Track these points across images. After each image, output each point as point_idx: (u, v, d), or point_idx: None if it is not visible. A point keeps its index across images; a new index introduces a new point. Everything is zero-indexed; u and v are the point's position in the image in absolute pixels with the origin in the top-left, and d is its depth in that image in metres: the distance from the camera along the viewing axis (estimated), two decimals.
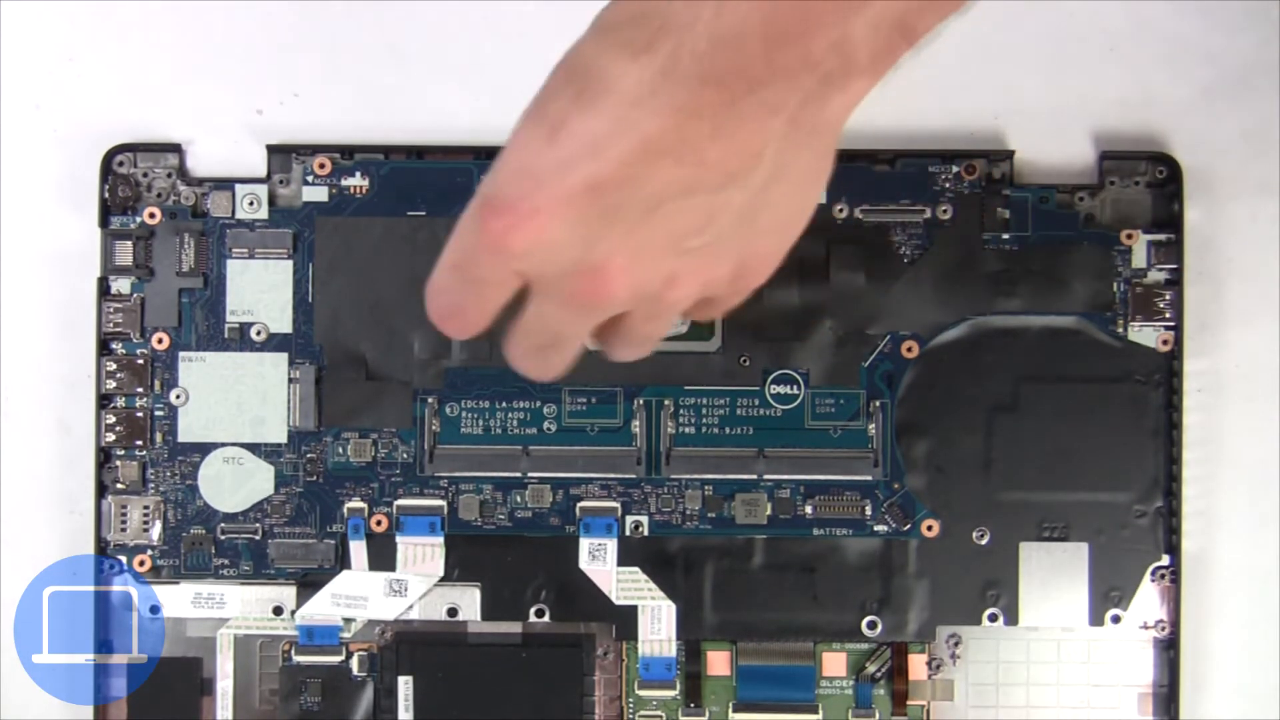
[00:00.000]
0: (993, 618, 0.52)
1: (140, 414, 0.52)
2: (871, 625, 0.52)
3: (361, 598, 0.52)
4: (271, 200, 0.53)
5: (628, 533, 0.52)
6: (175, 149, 0.53)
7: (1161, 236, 0.52)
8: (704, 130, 0.33)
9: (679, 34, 0.33)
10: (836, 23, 0.33)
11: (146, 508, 0.52)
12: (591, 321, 0.38)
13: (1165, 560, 0.52)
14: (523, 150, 0.34)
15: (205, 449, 0.52)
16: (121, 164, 0.53)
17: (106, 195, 0.52)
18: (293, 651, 0.52)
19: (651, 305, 0.38)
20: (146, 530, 0.52)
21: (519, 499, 0.52)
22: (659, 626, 0.52)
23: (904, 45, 0.34)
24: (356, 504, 0.52)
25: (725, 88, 0.33)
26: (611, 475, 0.52)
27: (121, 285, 0.52)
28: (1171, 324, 0.52)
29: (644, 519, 0.52)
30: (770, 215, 0.37)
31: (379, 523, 0.52)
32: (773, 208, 0.37)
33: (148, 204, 0.52)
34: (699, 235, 0.36)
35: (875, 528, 0.52)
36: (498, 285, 0.37)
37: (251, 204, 0.52)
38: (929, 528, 0.52)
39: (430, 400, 0.52)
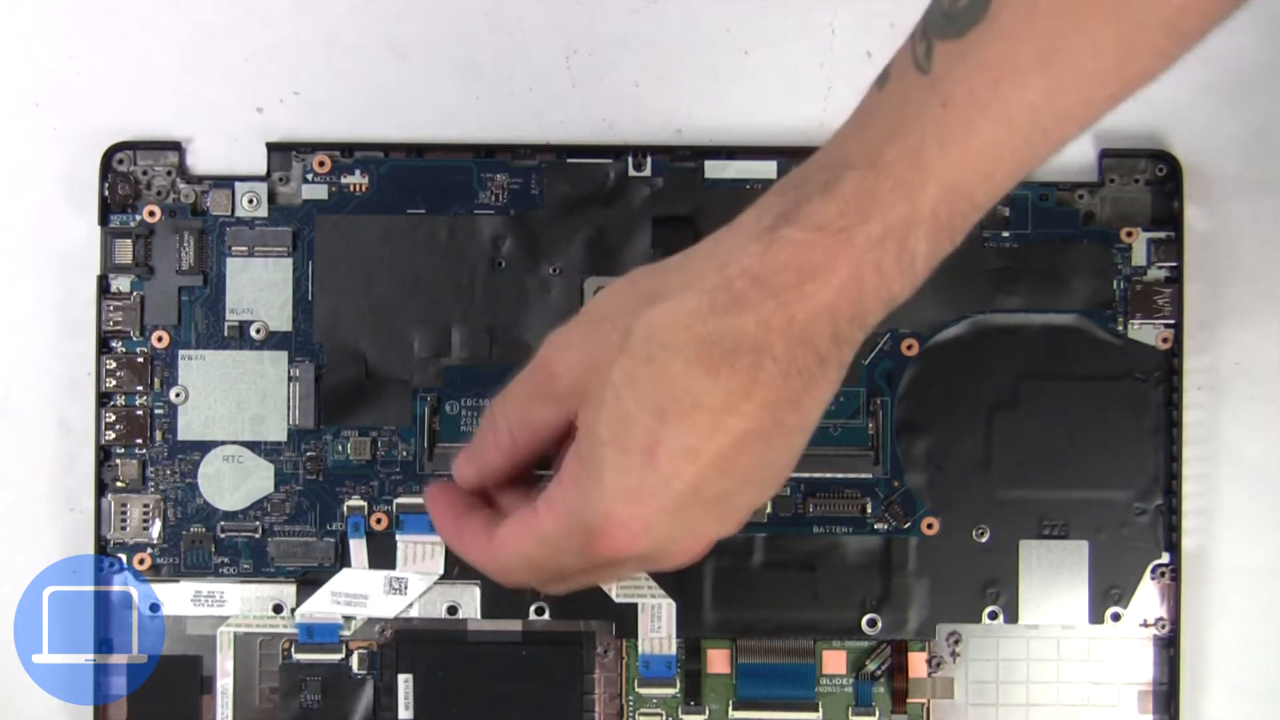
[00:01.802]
0: (993, 615, 0.52)
1: (140, 412, 0.52)
2: (871, 623, 0.52)
3: (361, 596, 0.52)
4: (271, 198, 0.53)
5: None
6: (175, 147, 0.53)
7: (1161, 234, 0.52)
8: (789, 410, 0.36)
9: (758, 351, 0.36)
10: (888, 294, 0.36)
11: (146, 506, 0.52)
12: None
13: (1165, 558, 0.52)
14: (623, 479, 0.37)
15: (205, 447, 0.52)
16: (121, 162, 0.53)
17: (106, 193, 0.52)
18: (293, 649, 0.52)
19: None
20: (146, 529, 0.52)
21: None
22: (659, 624, 0.52)
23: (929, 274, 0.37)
24: (356, 502, 0.52)
25: (807, 373, 0.36)
26: None
27: (121, 283, 0.52)
28: (1171, 322, 0.52)
29: None
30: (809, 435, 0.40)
31: (379, 521, 0.52)
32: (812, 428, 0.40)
33: (147, 202, 0.52)
34: (767, 480, 0.38)
35: (875, 525, 0.52)
36: (577, 572, 0.40)
37: (251, 202, 0.52)
38: (929, 525, 0.52)
39: (430, 398, 0.52)
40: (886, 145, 0.36)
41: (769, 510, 0.52)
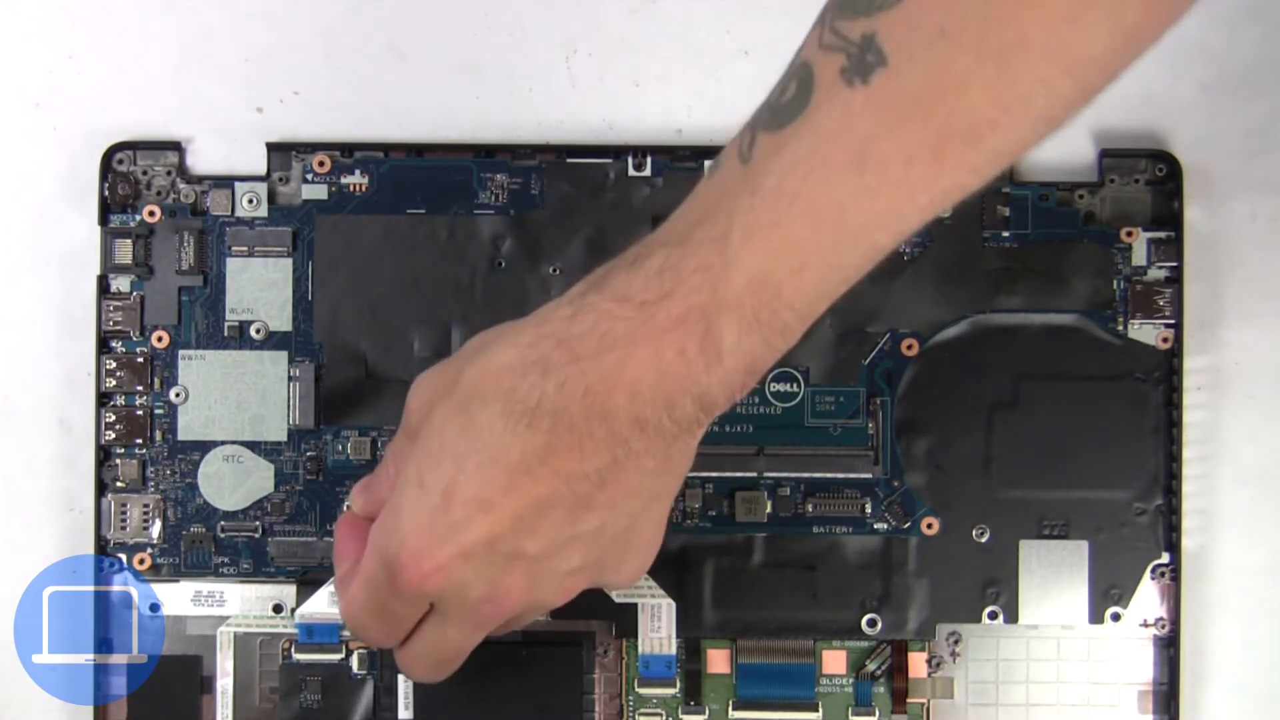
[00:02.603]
0: (993, 615, 0.52)
1: (140, 412, 0.52)
2: (871, 623, 0.52)
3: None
4: (271, 198, 0.53)
5: None
6: (175, 147, 0.53)
7: (1161, 234, 0.52)
8: (590, 485, 0.37)
9: (556, 416, 0.36)
10: (695, 384, 0.36)
11: (146, 506, 0.52)
12: (486, 632, 0.41)
13: (1165, 558, 0.52)
14: (416, 516, 0.38)
15: (205, 447, 0.52)
16: (121, 162, 0.53)
17: (106, 193, 0.52)
18: (293, 649, 0.52)
19: (540, 611, 0.42)
20: (146, 529, 0.52)
21: None
22: (659, 624, 0.52)
23: (753, 381, 0.37)
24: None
25: (606, 450, 0.36)
26: None
27: (121, 283, 0.52)
28: (1171, 322, 0.52)
29: None
30: (649, 526, 0.41)
31: None
32: (650, 521, 0.41)
33: (147, 202, 0.52)
34: (585, 558, 0.39)
35: (875, 525, 0.52)
36: (412, 615, 0.41)
37: (251, 202, 0.52)
38: (929, 525, 0.52)
39: None
40: (696, 227, 0.36)
41: (769, 510, 0.52)
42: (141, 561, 0.52)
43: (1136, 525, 0.52)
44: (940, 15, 0.33)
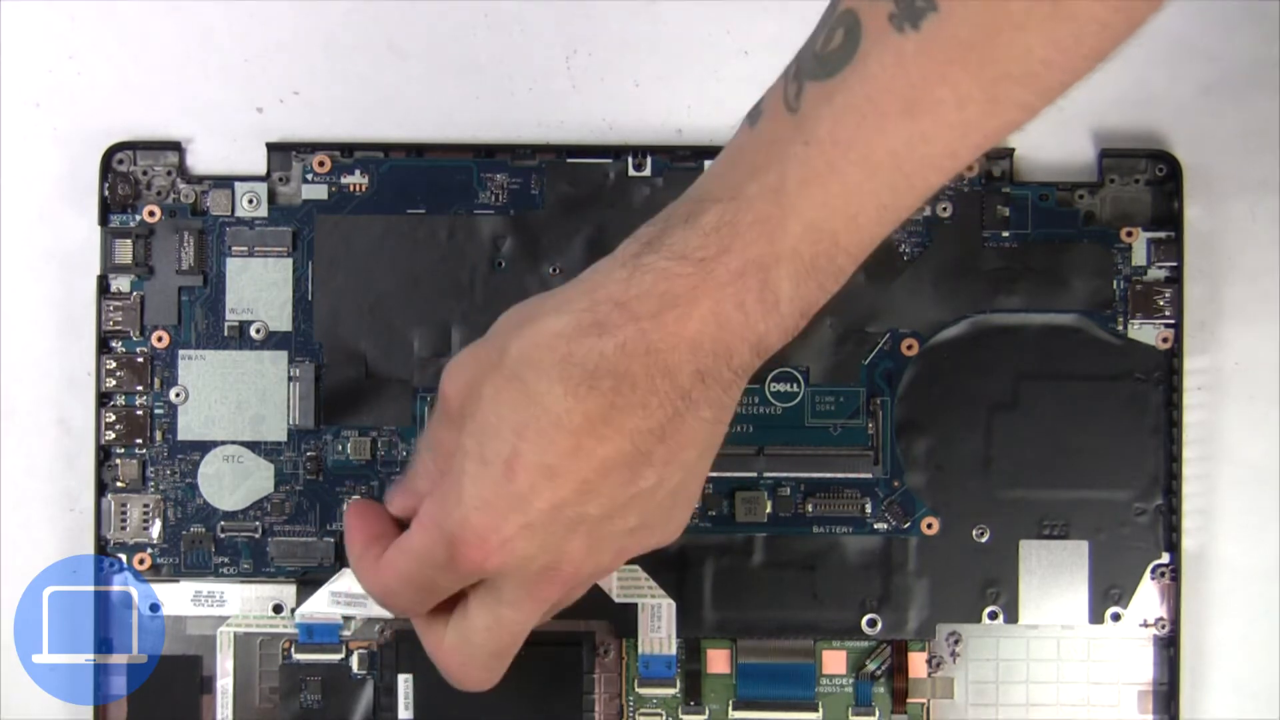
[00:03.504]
0: (993, 615, 0.52)
1: (140, 412, 0.52)
2: (871, 623, 0.52)
3: (361, 596, 0.51)
4: (271, 198, 0.53)
5: None
6: (175, 147, 0.53)
7: (1161, 234, 0.52)
8: (653, 440, 0.37)
9: (618, 376, 0.36)
10: (753, 333, 0.37)
11: (146, 506, 0.52)
12: (545, 609, 0.41)
13: (1165, 558, 0.52)
14: (480, 490, 0.38)
15: (205, 447, 0.52)
16: (121, 162, 0.53)
17: (106, 193, 0.52)
18: (293, 650, 0.52)
19: (595, 579, 0.41)
20: (146, 529, 0.52)
21: None
22: (659, 624, 0.52)
23: (805, 323, 0.37)
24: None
25: (669, 404, 0.37)
26: None
27: (121, 283, 0.52)
28: (1171, 322, 0.52)
29: None
30: (696, 481, 0.40)
31: None
32: (698, 475, 0.40)
33: (147, 202, 0.52)
34: (642, 515, 0.39)
35: (875, 525, 0.52)
36: (450, 591, 0.41)
37: (251, 202, 0.52)
38: (929, 525, 0.52)
39: (430, 398, 0.52)
40: (749, 180, 0.36)
41: (769, 510, 0.52)
42: (141, 561, 0.52)
43: (1136, 525, 0.52)
44: None
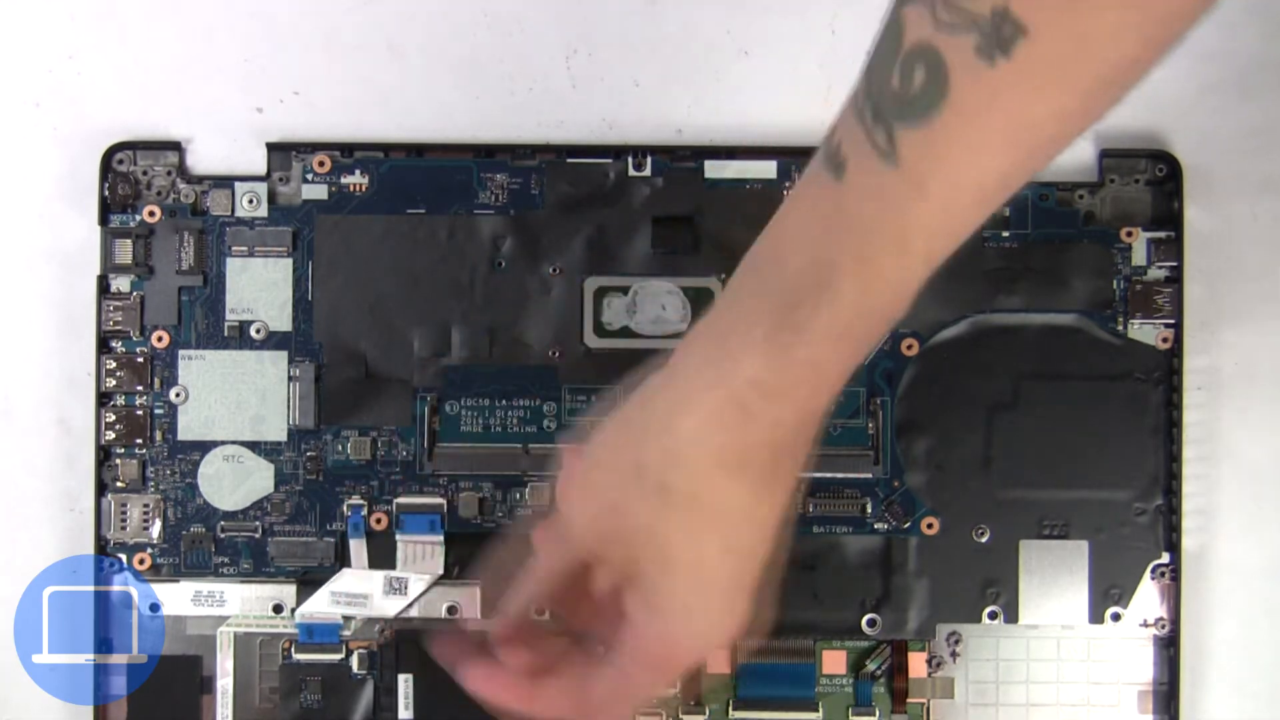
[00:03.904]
0: (993, 615, 0.52)
1: (140, 412, 0.52)
2: (871, 623, 0.52)
3: (361, 596, 0.52)
4: (271, 198, 0.53)
5: None
6: (175, 147, 0.53)
7: (1161, 234, 0.52)
8: (793, 488, 0.38)
9: (770, 447, 0.37)
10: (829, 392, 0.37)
11: (146, 506, 0.52)
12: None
13: (1165, 558, 0.52)
14: (673, 599, 0.39)
15: (205, 447, 0.52)
16: (121, 162, 0.53)
17: (106, 193, 0.52)
18: (293, 649, 0.52)
19: None
20: (146, 528, 0.52)
21: (518, 497, 0.52)
22: None
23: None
24: (356, 502, 0.52)
25: (806, 449, 0.38)
26: None
27: (121, 283, 0.52)
28: (1171, 322, 0.52)
29: None
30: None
31: (379, 521, 0.52)
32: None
33: (147, 202, 0.52)
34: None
35: (875, 525, 0.52)
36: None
37: (251, 202, 0.52)
38: (929, 525, 0.52)
39: (430, 398, 0.52)
40: (869, 241, 0.36)
41: None
42: (141, 561, 0.52)
43: (1136, 525, 0.52)
44: None
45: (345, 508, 0.52)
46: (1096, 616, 0.52)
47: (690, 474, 0.37)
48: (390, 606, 0.52)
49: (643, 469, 0.37)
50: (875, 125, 0.35)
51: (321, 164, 0.52)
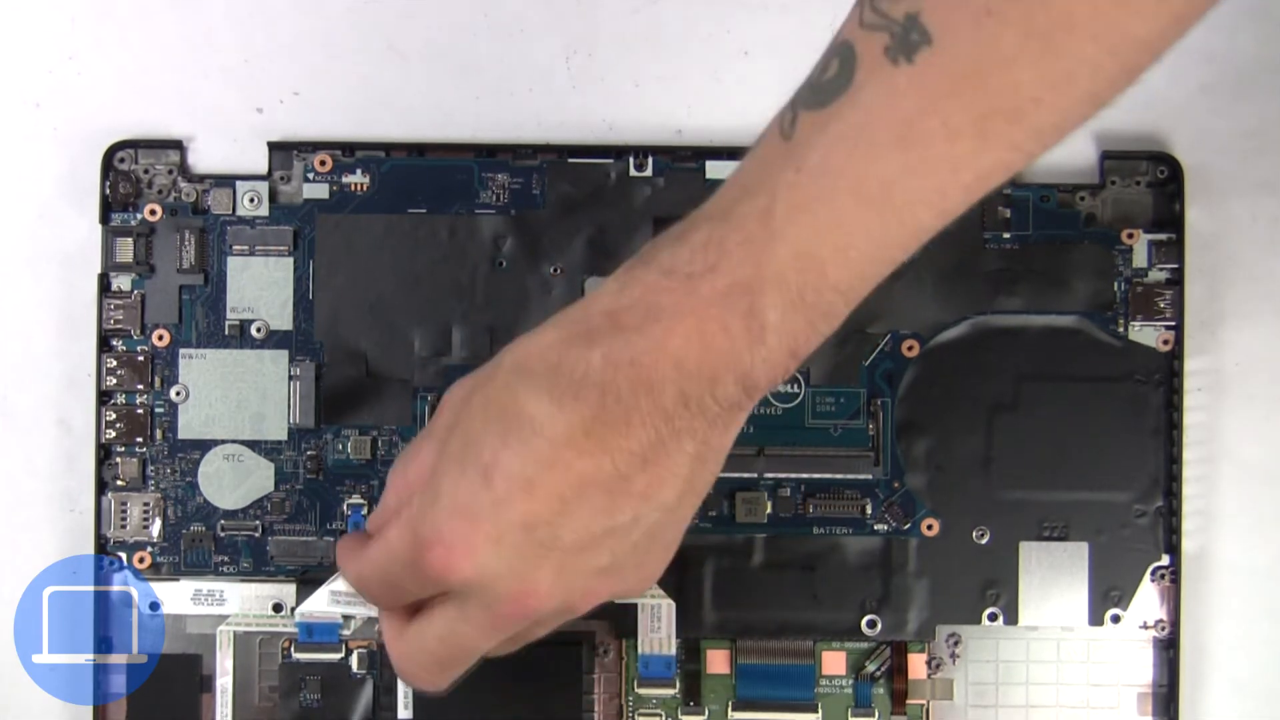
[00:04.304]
0: (992, 617, 0.52)
1: (140, 411, 0.52)
2: (871, 624, 0.52)
3: (361, 595, 0.52)
4: (272, 197, 0.53)
5: None
6: (176, 145, 0.53)
7: (1162, 236, 0.52)
8: (633, 464, 0.36)
9: (603, 387, 0.36)
10: (739, 363, 0.36)
11: (146, 504, 0.52)
12: (503, 637, 0.40)
13: (1165, 560, 0.52)
14: (456, 491, 0.37)
15: (205, 446, 0.52)
16: (123, 160, 0.53)
17: (107, 192, 0.52)
18: (292, 649, 0.52)
19: (559, 618, 0.40)
20: (146, 527, 0.52)
21: None
22: (658, 624, 0.52)
23: (795, 365, 0.37)
24: (356, 501, 0.52)
25: (650, 425, 0.36)
26: None
27: (122, 282, 0.53)
28: (1172, 324, 0.52)
29: None
30: (675, 528, 0.40)
31: None
32: (678, 522, 0.40)
33: (148, 200, 0.52)
34: (614, 555, 0.38)
35: (875, 526, 0.52)
36: (418, 595, 0.40)
37: (252, 201, 0.52)
38: (929, 527, 0.52)
39: (430, 397, 0.52)
40: (739, 202, 0.36)
41: (769, 510, 0.52)
42: (141, 560, 0.52)
43: (1137, 527, 0.52)
44: None
45: (345, 507, 0.52)
46: (1096, 618, 0.52)
47: (526, 383, 0.37)
48: None
49: (498, 368, 0.38)
50: (788, 108, 0.36)
51: (323, 163, 0.53)
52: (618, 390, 0.36)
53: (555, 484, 0.36)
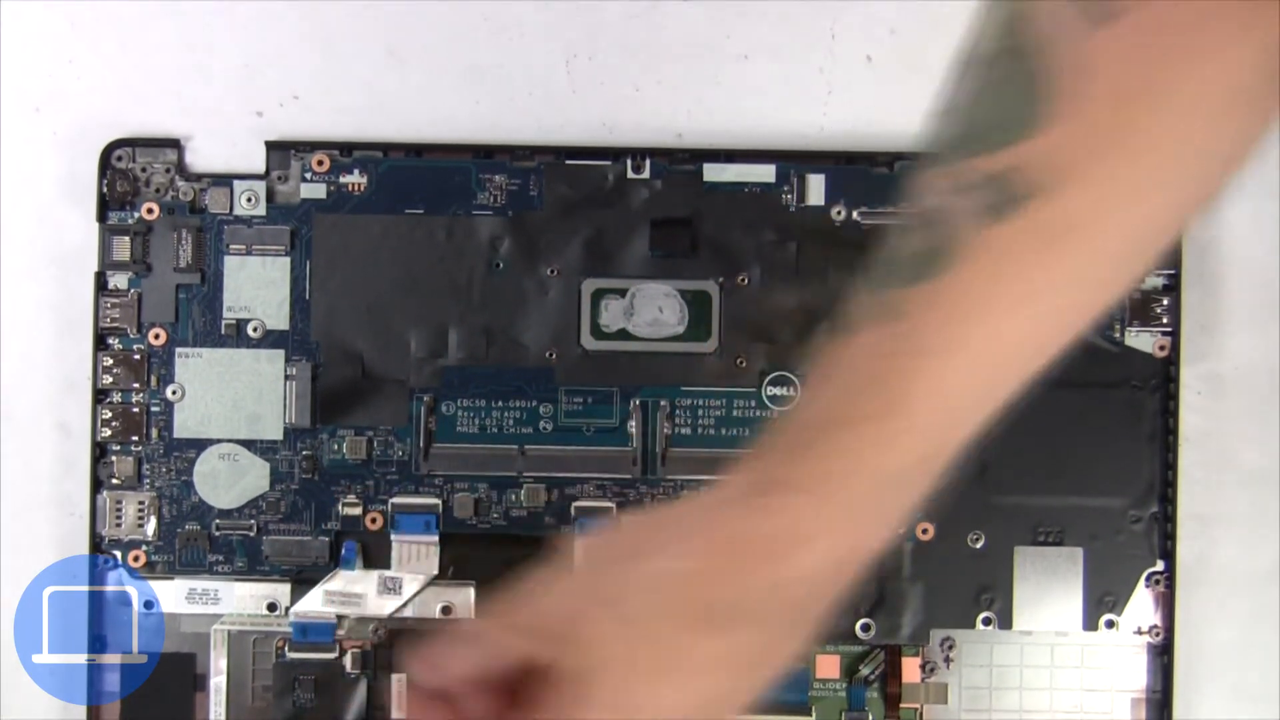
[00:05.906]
0: (987, 621, 0.52)
1: (136, 409, 0.52)
2: (865, 628, 0.52)
3: (356, 595, 0.52)
4: (270, 197, 0.53)
5: None
6: (174, 144, 0.53)
7: None
8: (757, 670, 0.36)
9: (736, 613, 0.34)
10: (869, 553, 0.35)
11: (142, 503, 0.52)
12: None
13: (1160, 565, 0.52)
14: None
15: (201, 445, 0.52)
16: (120, 159, 0.53)
17: (105, 190, 0.52)
18: (286, 648, 0.52)
19: None
20: (141, 526, 0.52)
21: (514, 498, 0.52)
22: None
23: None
24: (351, 501, 0.52)
25: (780, 634, 0.35)
26: (607, 475, 0.52)
27: (119, 280, 0.53)
28: (1169, 330, 0.52)
29: None
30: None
31: (374, 520, 0.52)
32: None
33: (146, 199, 0.52)
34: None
35: None
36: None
37: (250, 200, 0.52)
38: (924, 531, 0.52)
39: (426, 398, 0.52)
40: (860, 400, 0.34)
41: None
42: (136, 559, 0.52)
43: (1131, 533, 0.52)
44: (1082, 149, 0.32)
45: (340, 507, 0.52)
46: (1091, 623, 0.52)
47: (654, 614, 0.35)
48: (384, 606, 0.52)
49: (616, 592, 0.36)
50: (883, 283, 0.34)
51: (320, 163, 0.53)
52: (755, 614, 0.35)
53: (691, 703, 0.35)
